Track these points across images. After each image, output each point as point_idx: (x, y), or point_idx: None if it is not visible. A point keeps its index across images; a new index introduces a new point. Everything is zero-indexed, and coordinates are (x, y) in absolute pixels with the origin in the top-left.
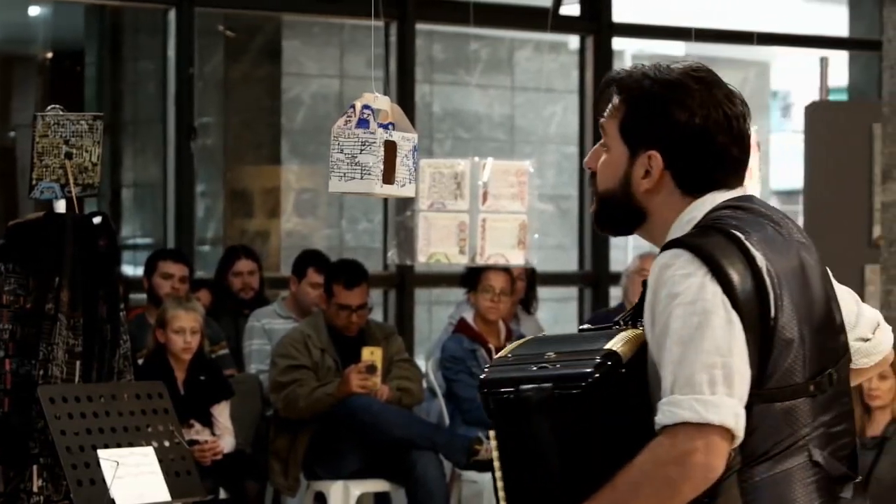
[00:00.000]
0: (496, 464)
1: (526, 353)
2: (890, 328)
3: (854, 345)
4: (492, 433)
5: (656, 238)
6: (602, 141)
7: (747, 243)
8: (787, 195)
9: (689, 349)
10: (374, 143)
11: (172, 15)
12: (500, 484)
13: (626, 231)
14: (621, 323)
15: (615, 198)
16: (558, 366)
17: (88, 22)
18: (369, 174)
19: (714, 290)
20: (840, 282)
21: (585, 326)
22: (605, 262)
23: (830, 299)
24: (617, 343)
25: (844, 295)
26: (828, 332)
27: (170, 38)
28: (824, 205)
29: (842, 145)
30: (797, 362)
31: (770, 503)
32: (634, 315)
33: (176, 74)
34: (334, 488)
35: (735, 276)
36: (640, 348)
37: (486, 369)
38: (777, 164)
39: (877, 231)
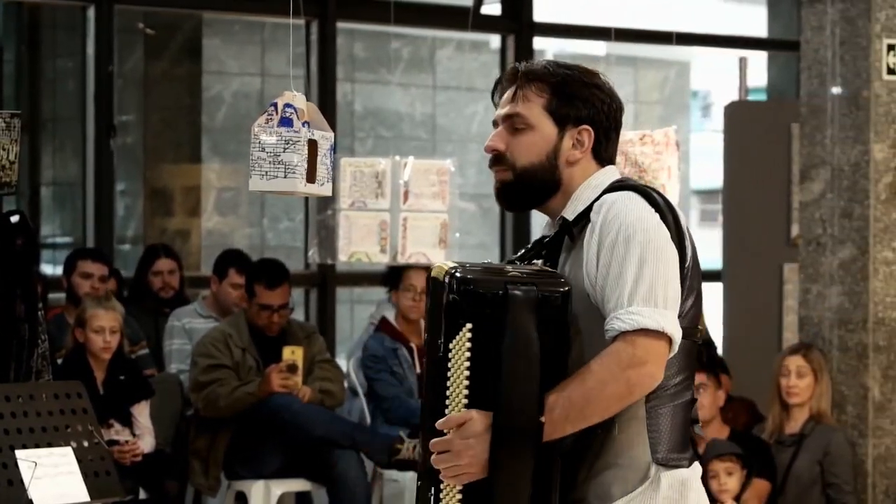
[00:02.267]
0: (465, 363)
1: (487, 267)
2: None
3: None
4: (461, 334)
5: (558, 207)
6: (509, 125)
7: (671, 201)
8: (706, 194)
9: (648, 268)
10: (299, 141)
11: (91, 12)
12: (464, 383)
13: (534, 204)
14: (517, 263)
15: (538, 171)
16: (529, 277)
17: (6, 19)
18: (293, 173)
19: (665, 231)
20: (759, 280)
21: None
22: None
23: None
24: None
25: None
26: (701, 292)
27: (89, 35)
28: (744, 204)
29: (761, 145)
30: (693, 308)
31: (664, 430)
32: (525, 256)
33: (95, 72)
34: (255, 488)
35: (672, 224)
36: None
37: (457, 272)
38: (697, 164)
39: (795, 230)
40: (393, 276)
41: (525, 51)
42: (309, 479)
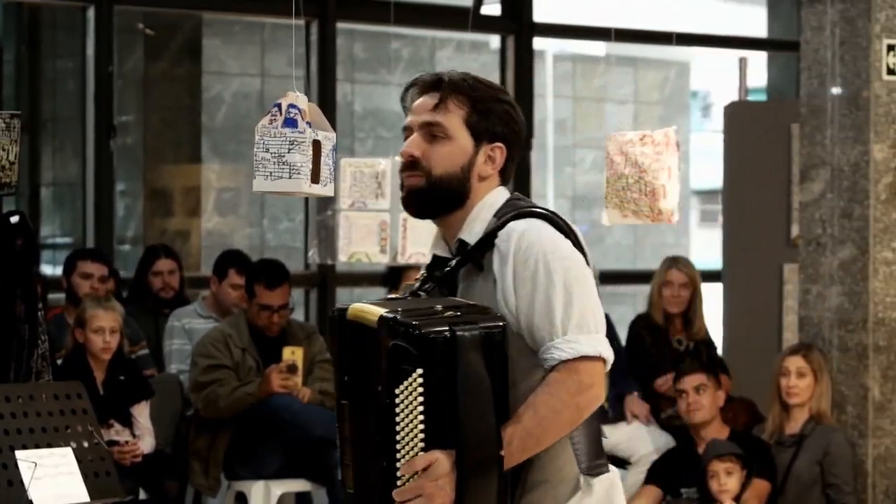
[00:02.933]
0: (419, 408)
1: (417, 308)
2: None
3: None
4: (410, 379)
5: (457, 222)
6: (426, 133)
7: (569, 221)
8: (706, 194)
9: (576, 296)
10: (304, 142)
11: (91, 13)
12: (419, 427)
13: (439, 214)
14: (421, 294)
15: (453, 181)
16: (465, 315)
17: (6, 19)
18: (298, 173)
19: (580, 256)
20: (759, 280)
21: (392, 296)
22: None
23: None
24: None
25: None
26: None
27: (88, 35)
28: (743, 204)
29: (761, 145)
30: None
31: (583, 442)
32: (425, 283)
33: (95, 73)
34: (255, 488)
35: (579, 246)
36: None
37: (398, 316)
38: (697, 164)
39: (795, 230)
40: (393, 277)
41: (525, 51)
42: (309, 480)
